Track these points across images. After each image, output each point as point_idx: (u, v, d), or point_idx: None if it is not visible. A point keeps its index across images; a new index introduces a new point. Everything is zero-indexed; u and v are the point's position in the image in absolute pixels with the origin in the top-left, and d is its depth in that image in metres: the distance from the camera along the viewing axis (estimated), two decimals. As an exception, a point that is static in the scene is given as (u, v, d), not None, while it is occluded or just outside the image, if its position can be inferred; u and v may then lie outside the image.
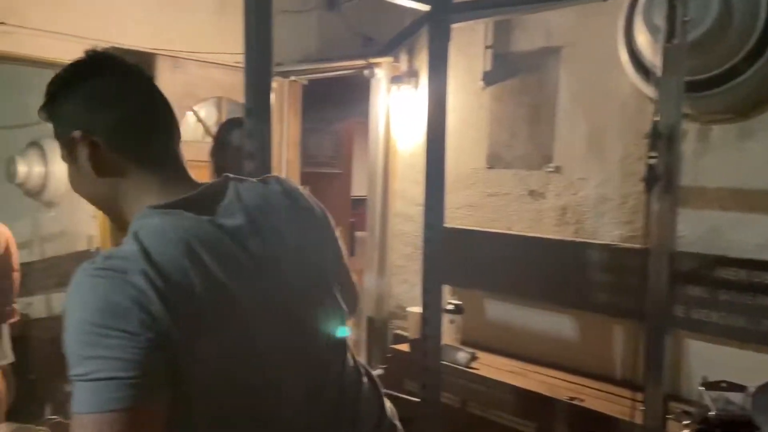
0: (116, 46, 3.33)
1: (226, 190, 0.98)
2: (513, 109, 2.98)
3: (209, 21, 3.79)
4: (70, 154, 0.96)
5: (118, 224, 0.99)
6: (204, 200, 0.94)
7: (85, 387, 0.77)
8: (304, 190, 1.10)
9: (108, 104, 0.94)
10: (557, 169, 2.84)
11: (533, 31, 2.91)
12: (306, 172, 4.69)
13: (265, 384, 0.92)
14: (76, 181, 0.98)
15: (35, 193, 4.43)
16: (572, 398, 2.47)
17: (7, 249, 3.69)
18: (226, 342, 0.87)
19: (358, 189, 7.76)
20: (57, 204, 4.44)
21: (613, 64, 2.61)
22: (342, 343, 1.07)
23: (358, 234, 7.56)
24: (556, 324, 2.83)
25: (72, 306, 0.81)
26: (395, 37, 2.76)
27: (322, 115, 5.84)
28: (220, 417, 0.88)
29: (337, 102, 6.03)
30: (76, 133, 0.93)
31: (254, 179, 1.05)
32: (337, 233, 1.15)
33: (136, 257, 0.83)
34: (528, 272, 2.82)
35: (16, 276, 3.79)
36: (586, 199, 2.75)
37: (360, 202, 8.08)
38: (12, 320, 3.79)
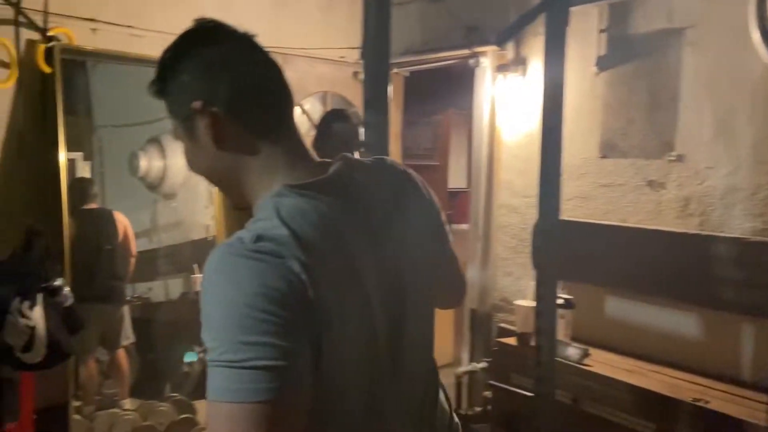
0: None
1: (353, 174, 0.94)
2: (629, 94, 2.84)
3: (316, 17, 3.88)
4: (187, 128, 0.91)
5: (237, 201, 0.96)
6: (336, 184, 0.90)
7: (236, 374, 0.72)
8: (417, 175, 1.08)
9: (226, 72, 0.88)
10: (679, 158, 2.68)
11: (653, 12, 2.75)
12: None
13: (378, 371, 0.91)
14: (194, 158, 0.94)
15: (155, 186, 4.72)
16: (696, 399, 2.34)
17: (125, 236, 3.97)
18: (357, 331, 0.85)
19: (454, 181, 7.73)
20: (175, 196, 4.72)
21: (742, 45, 2.43)
22: (431, 332, 1.06)
23: (455, 227, 7.55)
24: (677, 321, 2.68)
25: (222, 286, 0.76)
26: (511, 26, 2.68)
27: (419, 107, 5.84)
28: (338, 401, 0.86)
29: (435, 93, 6.01)
30: (196, 104, 0.87)
31: (370, 161, 1.02)
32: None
33: (289, 241, 0.79)
34: (646, 266, 2.68)
35: (132, 261, 4.07)
36: (712, 189, 2.58)
37: (456, 195, 8.04)
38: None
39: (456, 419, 1.11)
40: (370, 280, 0.88)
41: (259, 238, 0.78)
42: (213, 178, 0.96)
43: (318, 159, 0.97)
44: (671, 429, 2.38)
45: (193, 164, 0.95)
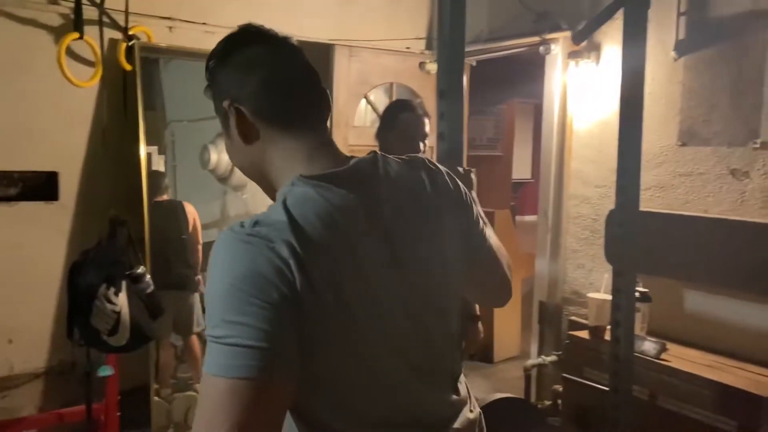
0: (301, 39, 3.54)
1: (375, 169, 0.96)
2: (711, 80, 2.72)
3: (381, 9, 3.89)
4: (224, 125, 0.98)
5: (270, 194, 1.00)
6: (353, 176, 0.93)
7: (220, 350, 0.77)
8: (451, 175, 1.08)
9: (251, 71, 0.95)
10: (765, 145, 2.54)
11: (737, -7, 2.63)
12: (467, 155, 4.68)
13: (392, 361, 0.93)
14: (231, 152, 1.01)
15: (224, 178, 4.86)
16: (782, 397, 2.24)
17: (194, 226, 4.12)
18: (355, 319, 0.87)
19: (517, 172, 7.63)
20: (243, 187, 4.85)
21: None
22: (454, 324, 1.05)
23: (519, 218, 7.44)
24: (761, 316, 2.56)
25: (218, 266, 0.81)
26: (588, 25, 2.58)
27: (483, 96, 5.79)
28: (337, 383, 0.88)
29: (500, 83, 5.93)
30: (225, 102, 0.95)
31: (400, 158, 1.04)
32: (480, 217, 1.12)
33: (283, 227, 0.83)
34: (728, 259, 2.57)
35: (200, 249, 4.21)
36: (801, 178, 2.45)
37: (519, 186, 7.94)
38: (199, 290, 4.21)
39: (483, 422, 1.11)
40: (378, 268, 0.90)
41: (256, 224, 0.84)
42: (247, 172, 1.02)
43: (346, 155, 0.99)
44: (755, 427, 2.28)
45: (232, 159, 1.03)
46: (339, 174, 0.92)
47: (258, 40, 0.98)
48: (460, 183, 1.08)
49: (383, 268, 0.91)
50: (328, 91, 1.01)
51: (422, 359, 0.97)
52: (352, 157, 0.98)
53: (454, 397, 1.03)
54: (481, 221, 1.11)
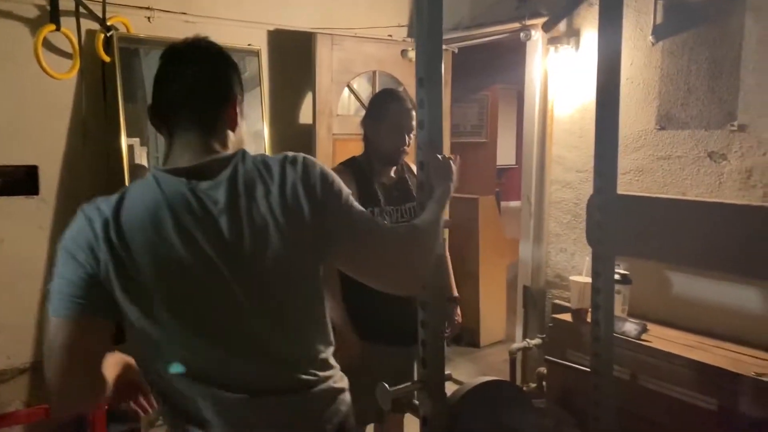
0: (283, 28, 3.52)
1: (225, 166, 1.12)
2: (688, 64, 2.75)
3: (363, -3, 3.87)
4: None
5: None
6: (204, 171, 1.10)
7: (51, 294, 1.03)
8: (308, 172, 1.16)
9: (159, 83, 1.17)
10: (741, 128, 2.58)
11: (713, -24, 2.65)
12: (451, 142, 4.69)
13: (199, 337, 1.07)
14: None
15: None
16: (759, 374, 2.28)
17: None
18: (173, 300, 1.04)
19: (502, 158, 7.65)
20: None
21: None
22: (296, 304, 1.15)
23: (504, 204, 7.48)
24: (739, 296, 2.61)
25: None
26: (558, 13, 2.59)
27: (466, 83, 5.79)
28: (153, 344, 1.07)
29: (482, 69, 5.93)
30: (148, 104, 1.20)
31: (263, 156, 1.17)
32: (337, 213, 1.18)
33: (109, 207, 1.05)
34: (706, 240, 2.62)
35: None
36: (777, 159, 2.49)
37: (504, 171, 7.96)
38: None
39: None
40: (201, 254, 1.05)
41: (92, 204, 1.07)
42: None
43: (215, 152, 1.15)
44: (734, 404, 2.33)
45: None
46: (190, 168, 1.10)
47: (172, 56, 1.18)
48: (327, 180, 1.17)
49: (209, 254, 1.05)
50: (223, 95, 1.18)
51: (246, 342, 1.08)
52: (218, 153, 1.15)
53: (290, 378, 1.13)
54: (350, 214, 1.19)
